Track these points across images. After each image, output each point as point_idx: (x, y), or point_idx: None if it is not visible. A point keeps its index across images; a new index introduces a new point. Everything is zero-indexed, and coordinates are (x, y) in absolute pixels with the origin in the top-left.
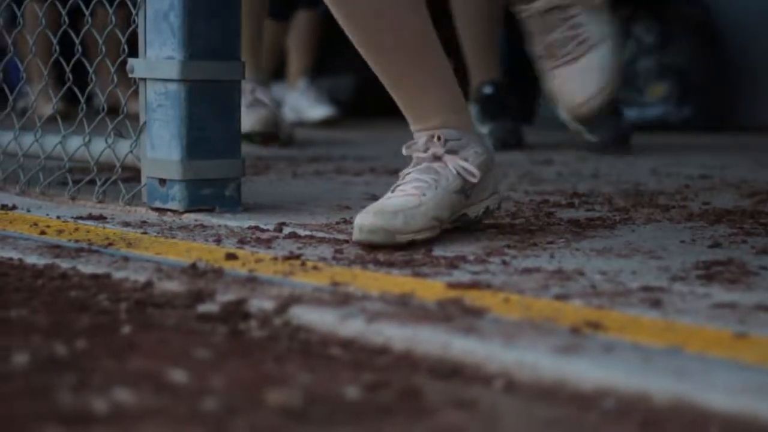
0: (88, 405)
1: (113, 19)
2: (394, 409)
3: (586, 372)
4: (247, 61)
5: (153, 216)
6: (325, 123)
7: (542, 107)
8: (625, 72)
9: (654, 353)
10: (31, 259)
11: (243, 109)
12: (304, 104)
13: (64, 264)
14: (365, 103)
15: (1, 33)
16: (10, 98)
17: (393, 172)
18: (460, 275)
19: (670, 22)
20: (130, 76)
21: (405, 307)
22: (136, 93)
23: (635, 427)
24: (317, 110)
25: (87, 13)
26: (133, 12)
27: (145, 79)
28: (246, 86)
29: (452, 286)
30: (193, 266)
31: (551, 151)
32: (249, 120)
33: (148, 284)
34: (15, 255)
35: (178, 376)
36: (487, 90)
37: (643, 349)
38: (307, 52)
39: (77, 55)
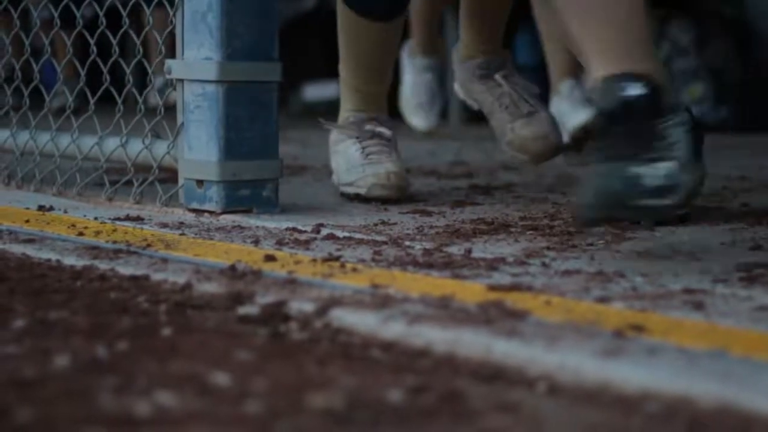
0: (130, 408)
1: (150, 20)
2: (437, 413)
3: (630, 375)
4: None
5: (190, 217)
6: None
7: None
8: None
9: (698, 356)
10: (70, 261)
11: (363, 155)
12: (565, 109)
13: (103, 265)
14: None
15: (37, 34)
16: (47, 99)
17: (429, 173)
18: (500, 277)
19: (706, 22)
20: (167, 77)
21: (446, 310)
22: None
23: (680, 431)
24: (578, 116)
25: (125, 14)
26: (171, 13)
27: (182, 80)
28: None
29: (493, 288)
30: (232, 268)
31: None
32: (370, 172)
33: (188, 286)
34: (53, 256)
35: (220, 378)
36: None
37: (686, 352)
38: (567, 51)
39: (114, 56)
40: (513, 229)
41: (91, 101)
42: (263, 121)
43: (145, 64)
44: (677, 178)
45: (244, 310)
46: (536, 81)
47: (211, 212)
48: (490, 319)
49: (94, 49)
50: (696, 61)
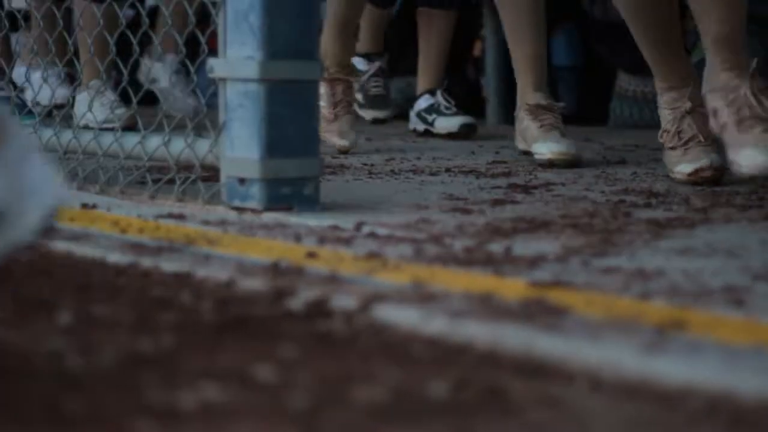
0: (176, 401)
1: (193, 19)
2: (480, 408)
3: (672, 371)
4: None
5: (232, 215)
6: None
7: (614, 108)
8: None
9: (739, 352)
10: (113, 257)
11: None
12: None
13: (146, 262)
14: None
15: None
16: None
17: (469, 172)
18: (541, 274)
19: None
20: (210, 76)
21: (487, 306)
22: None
23: (722, 427)
24: None
25: (167, 13)
26: (213, 12)
27: (225, 79)
28: None
29: (534, 284)
30: (275, 265)
31: (624, 151)
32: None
33: (231, 282)
34: (97, 253)
35: (264, 372)
36: None
37: (728, 349)
38: None
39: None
40: (553, 227)
41: (134, 100)
42: (305, 120)
43: (188, 64)
44: None
45: (287, 305)
46: (572, 81)
47: (252, 210)
48: (532, 315)
49: (137, 48)
50: None
